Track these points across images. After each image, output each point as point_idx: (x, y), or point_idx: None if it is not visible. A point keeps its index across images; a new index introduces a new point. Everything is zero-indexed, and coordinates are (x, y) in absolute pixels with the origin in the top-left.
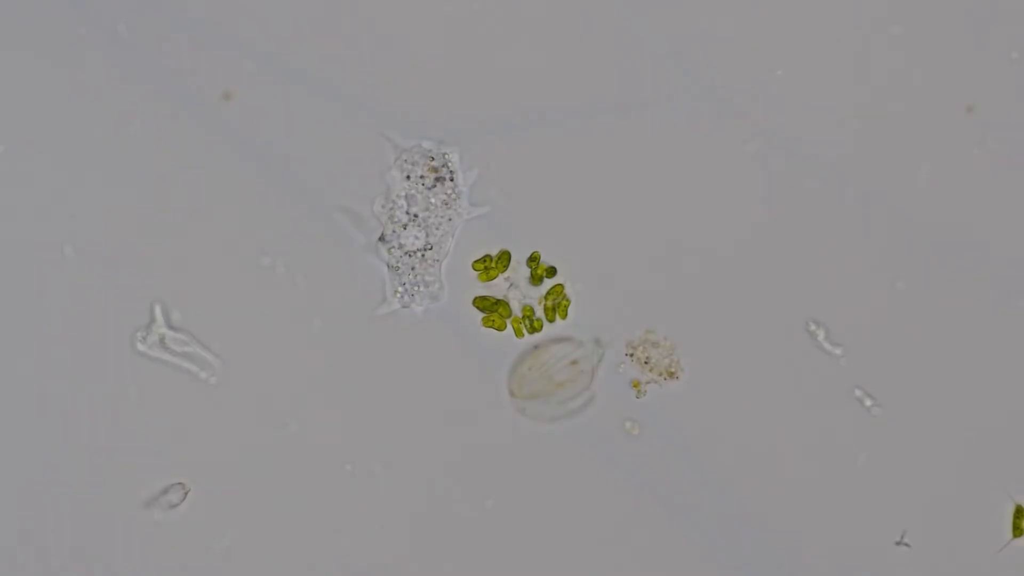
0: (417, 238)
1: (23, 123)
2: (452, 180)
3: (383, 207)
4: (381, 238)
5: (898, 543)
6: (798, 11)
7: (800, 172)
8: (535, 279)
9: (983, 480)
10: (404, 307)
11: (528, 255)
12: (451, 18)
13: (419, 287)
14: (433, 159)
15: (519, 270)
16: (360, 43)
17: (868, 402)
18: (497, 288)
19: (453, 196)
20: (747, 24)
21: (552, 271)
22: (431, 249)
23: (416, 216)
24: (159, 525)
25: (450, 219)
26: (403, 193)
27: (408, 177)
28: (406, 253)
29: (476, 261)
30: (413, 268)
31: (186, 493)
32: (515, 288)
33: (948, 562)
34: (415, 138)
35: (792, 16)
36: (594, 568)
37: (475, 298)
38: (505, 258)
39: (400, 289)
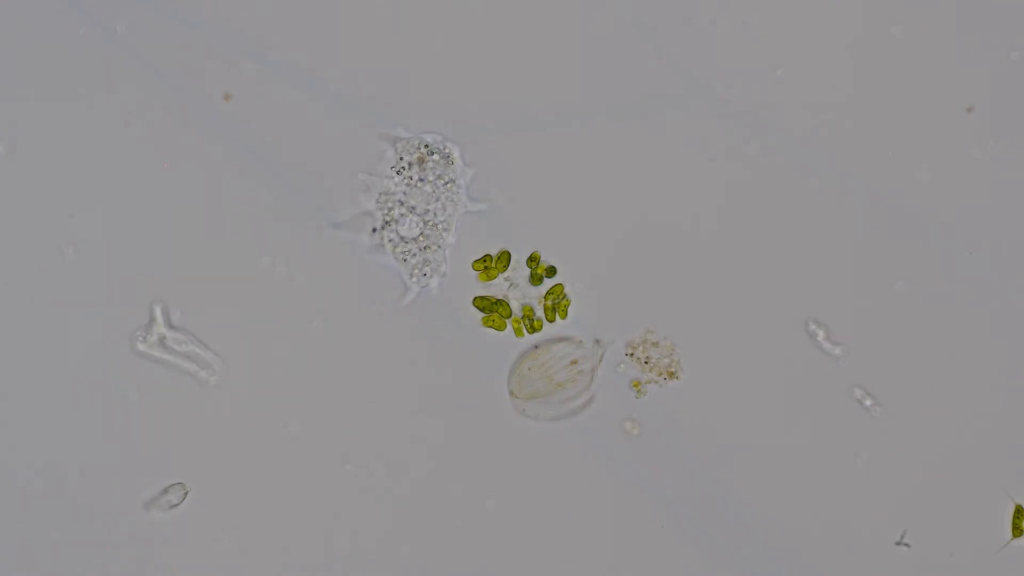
0: (415, 225)
1: (23, 123)
2: (451, 163)
3: (379, 203)
4: (375, 229)
5: (898, 543)
6: (797, 11)
7: (800, 172)
8: (535, 279)
9: (983, 480)
10: (423, 288)
11: (528, 255)
12: (451, 19)
13: (428, 267)
14: (427, 146)
15: (519, 270)
16: (360, 43)
17: (868, 402)
18: (497, 288)
19: (447, 179)
20: (747, 24)
21: (552, 271)
22: (431, 231)
23: (414, 208)
24: (159, 525)
25: (446, 202)
26: (400, 188)
27: (406, 167)
28: (410, 240)
29: (476, 261)
30: (417, 252)
31: (186, 493)
32: (515, 288)
33: (948, 562)
34: (415, 137)
35: (791, 16)
36: (594, 568)
37: (475, 298)
38: (505, 258)
39: (415, 272)
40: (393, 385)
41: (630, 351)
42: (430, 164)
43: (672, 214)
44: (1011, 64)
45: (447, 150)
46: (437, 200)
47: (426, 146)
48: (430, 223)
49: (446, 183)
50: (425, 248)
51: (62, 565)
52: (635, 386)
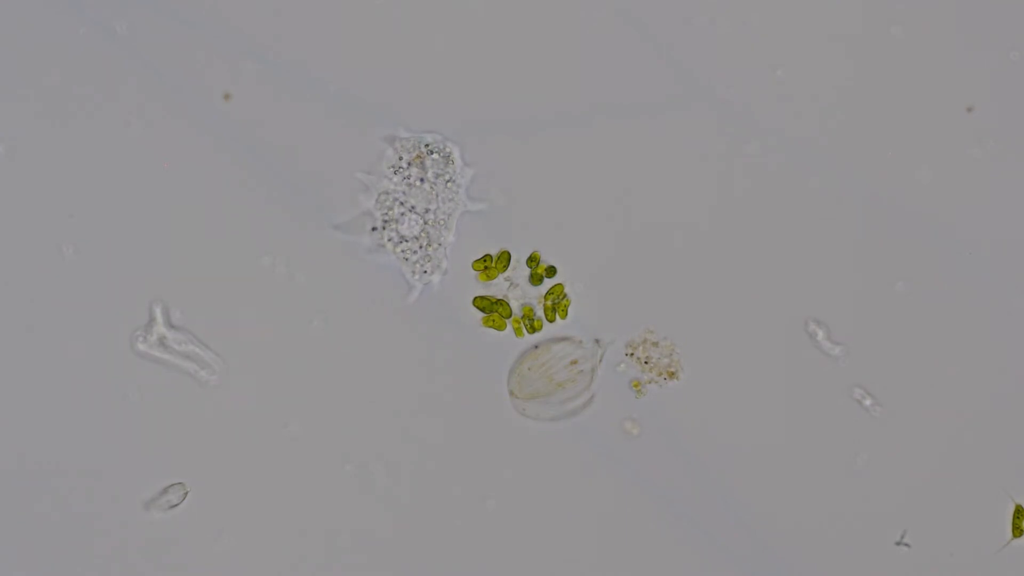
0: (415, 224)
1: (23, 123)
2: (451, 163)
3: (378, 202)
4: (375, 228)
5: (898, 543)
6: (797, 11)
7: (800, 172)
8: (535, 279)
9: (983, 480)
10: (425, 284)
11: (528, 255)
12: (451, 19)
13: (429, 263)
14: (427, 145)
15: (519, 270)
16: (360, 43)
17: (868, 402)
18: (497, 288)
19: (447, 177)
20: (747, 24)
21: (552, 271)
22: (431, 229)
23: (413, 207)
24: (159, 525)
25: (445, 200)
26: (400, 188)
27: (405, 166)
28: (410, 238)
29: (476, 261)
30: (418, 250)
31: (186, 493)
32: (515, 288)
33: (948, 562)
34: (415, 136)
35: (791, 16)
36: (594, 567)
37: (475, 298)
38: (505, 258)
39: (416, 268)
40: (393, 385)
41: (630, 351)
42: (429, 163)
43: (672, 214)
44: (1011, 64)
45: (447, 150)
46: (437, 198)
47: (426, 145)
48: (430, 222)
49: (446, 182)
50: (426, 245)
51: (62, 565)
52: (635, 386)
